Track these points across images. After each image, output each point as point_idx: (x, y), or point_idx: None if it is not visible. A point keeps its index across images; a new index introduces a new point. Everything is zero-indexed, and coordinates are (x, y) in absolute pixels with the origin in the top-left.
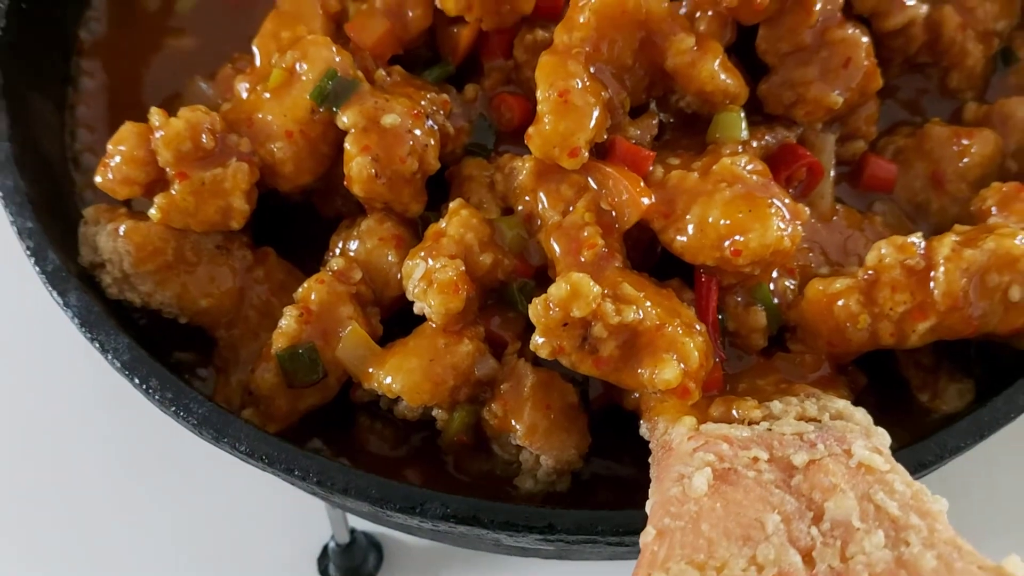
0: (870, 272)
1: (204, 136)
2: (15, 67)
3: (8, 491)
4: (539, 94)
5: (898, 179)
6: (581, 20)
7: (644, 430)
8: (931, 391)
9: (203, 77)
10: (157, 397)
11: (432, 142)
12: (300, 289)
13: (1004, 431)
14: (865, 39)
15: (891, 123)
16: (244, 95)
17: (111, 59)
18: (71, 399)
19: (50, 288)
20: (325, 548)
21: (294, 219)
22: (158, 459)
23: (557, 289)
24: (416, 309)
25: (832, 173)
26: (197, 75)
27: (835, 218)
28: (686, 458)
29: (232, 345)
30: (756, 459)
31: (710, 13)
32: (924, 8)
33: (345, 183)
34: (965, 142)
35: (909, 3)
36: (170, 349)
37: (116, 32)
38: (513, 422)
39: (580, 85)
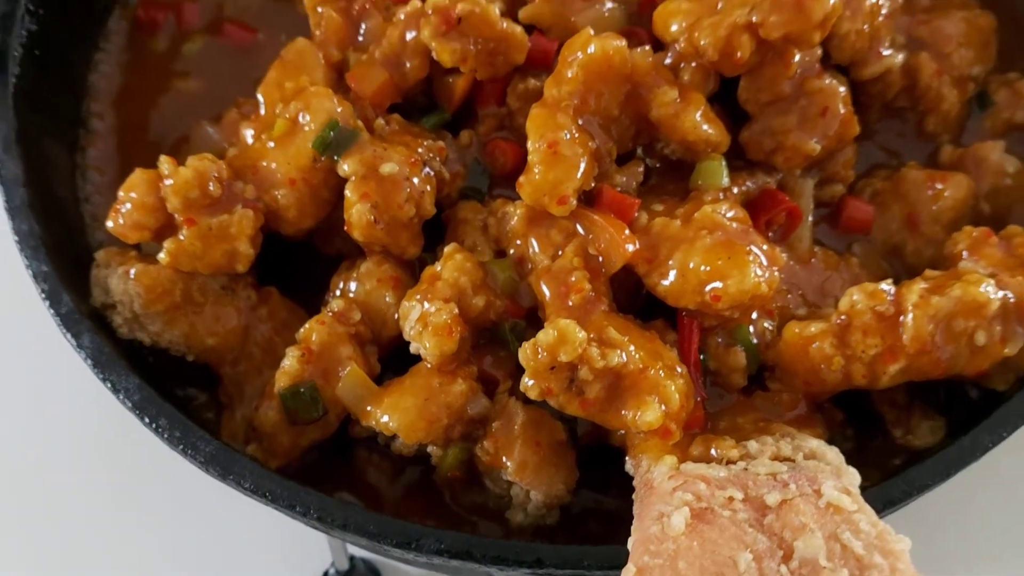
0: (843, 317)
1: (211, 184)
2: (29, 113)
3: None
4: (530, 145)
5: (875, 220)
6: (569, 75)
7: (629, 466)
8: (904, 427)
9: (209, 121)
10: (166, 436)
11: (428, 188)
12: (302, 330)
13: (977, 466)
14: (842, 89)
15: (869, 165)
16: (249, 141)
17: (120, 101)
18: (71, 425)
19: (64, 330)
20: (325, 574)
21: (295, 256)
22: (160, 485)
23: (545, 335)
24: (412, 349)
25: (810, 218)
26: (204, 119)
27: (813, 260)
28: (666, 497)
29: (237, 381)
30: (732, 499)
31: (693, 64)
32: (900, 57)
33: (345, 228)
34: (939, 186)
35: (885, 53)
36: (177, 384)
37: (125, 75)
38: (504, 459)
39: (568, 136)
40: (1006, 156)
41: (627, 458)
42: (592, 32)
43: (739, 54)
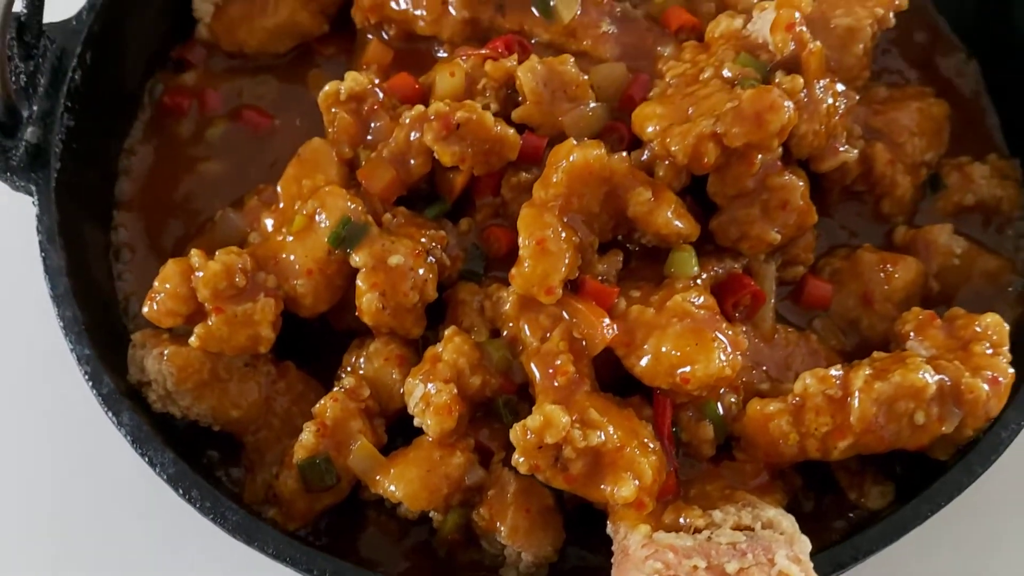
0: (798, 398)
1: (237, 276)
2: (69, 203)
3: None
4: (520, 241)
5: (834, 297)
6: (555, 179)
7: (610, 530)
8: (858, 491)
9: (232, 207)
10: (198, 505)
11: (431, 276)
12: (317, 405)
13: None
14: (801, 183)
15: (830, 245)
16: (270, 229)
17: (149, 183)
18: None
19: (105, 408)
20: None
21: (310, 331)
22: (174, 529)
23: (533, 420)
24: (416, 423)
25: (772, 299)
26: (227, 204)
27: (776, 337)
28: (639, 564)
29: (258, 448)
30: (696, 567)
31: (667, 162)
32: (855, 152)
33: (357, 313)
34: (890, 268)
35: (841, 148)
36: (204, 451)
37: (154, 158)
38: (498, 524)
39: (554, 234)
40: (954, 237)
41: (608, 522)
42: (576, 139)
43: (706, 160)
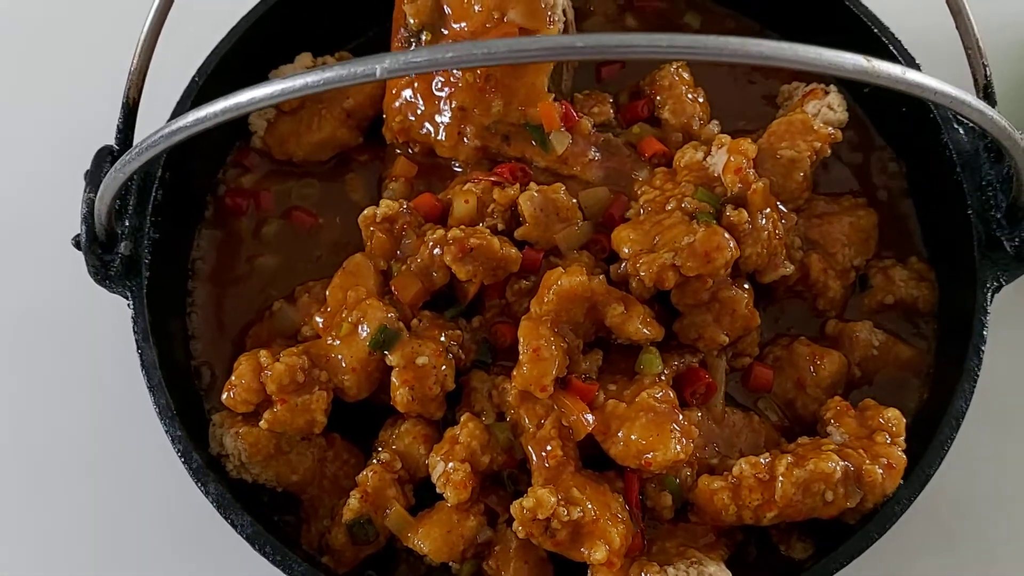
0: (735, 478)
1: (298, 374)
2: (157, 304)
3: None
4: (520, 347)
5: (775, 381)
6: (546, 299)
7: None
8: (786, 544)
9: (286, 301)
10: (270, 559)
11: (450, 372)
12: (360, 475)
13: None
14: (746, 296)
15: (775, 333)
16: (320, 326)
17: (214, 276)
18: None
19: (195, 480)
20: None
21: (351, 407)
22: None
23: (528, 500)
24: (437, 490)
25: (723, 389)
26: (282, 297)
27: (725, 418)
28: None
29: (313, 504)
30: None
31: (642, 274)
32: (791, 268)
33: (391, 403)
34: (819, 361)
35: (781, 267)
36: (270, 504)
37: (218, 254)
38: (503, 572)
39: (547, 342)
40: (874, 332)
41: (588, 573)
42: (566, 252)
43: (667, 283)
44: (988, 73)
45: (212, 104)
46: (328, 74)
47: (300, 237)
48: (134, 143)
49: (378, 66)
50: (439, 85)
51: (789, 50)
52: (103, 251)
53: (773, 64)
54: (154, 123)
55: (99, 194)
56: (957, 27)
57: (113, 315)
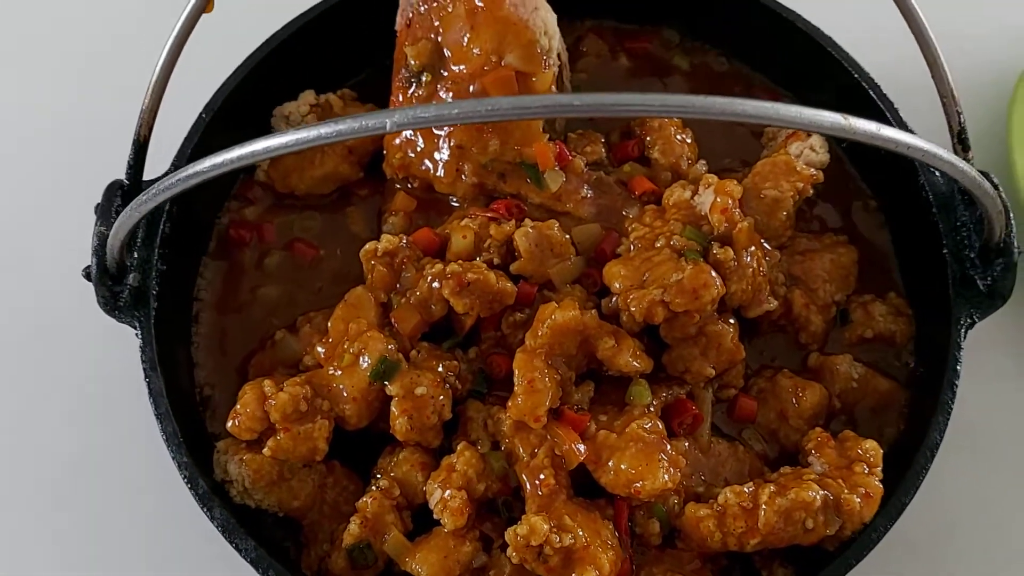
0: (720, 506)
1: (301, 403)
2: (163, 331)
3: None
4: (516, 379)
5: (758, 412)
6: (540, 333)
7: None
8: (768, 570)
9: (288, 330)
10: None
11: (447, 402)
12: (359, 501)
13: None
14: (731, 330)
15: (760, 365)
16: (322, 356)
17: (219, 305)
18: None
19: (201, 505)
20: None
21: (349, 434)
22: None
23: (522, 528)
24: (435, 516)
25: (709, 419)
26: (283, 326)
27: (711, 448)
28: None
29: (313, 530)
30: None
31: (632, 309)
32: (775, 303)
33: (390, 431)
34: (801, 392)
35: (765, 302)
36: (271, 530)
37: (222, 284)
38: None
39: (541, 375)
40: (853, 365)
41: None
42: (559, 286)
43: (656, 318)
44: (962, 120)
45: (230, 151)
46: (341, 126)
47: (301, 268)
48: (149, 181)
49: (388, 120)
50: (439, 124)
51: (771, 109)
52: (113, 282)
53: (756, 122)
54: (160, 155)
55: (113, 230)
56: (933, 77)
57: (119, 343)
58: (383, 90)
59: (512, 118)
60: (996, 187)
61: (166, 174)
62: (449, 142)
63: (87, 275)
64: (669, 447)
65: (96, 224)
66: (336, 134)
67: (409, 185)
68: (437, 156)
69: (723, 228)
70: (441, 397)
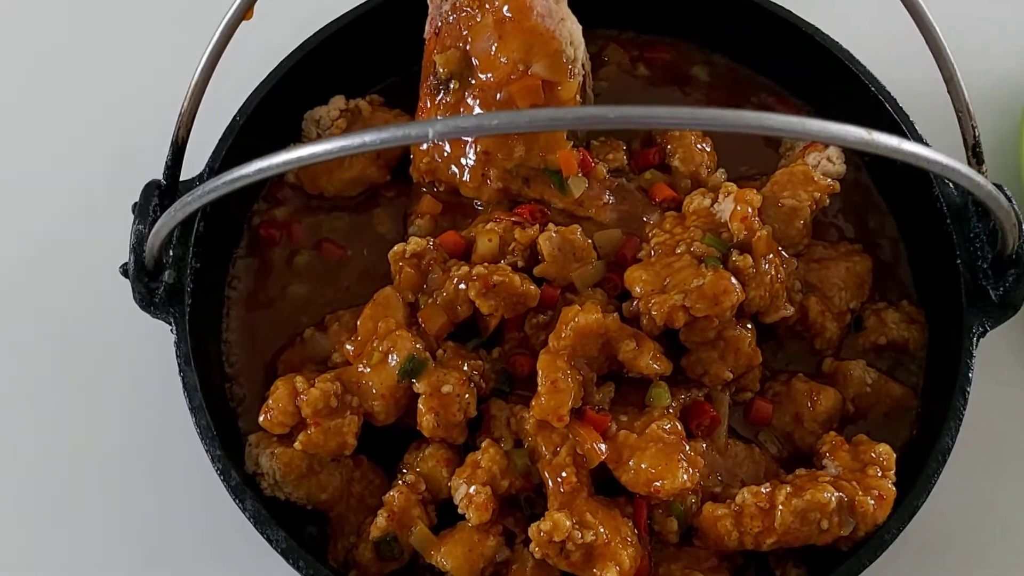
0: (737, 506)
1: (331, 399)
2: (196, 327)
3: None
4: (539, 379)
5: (774, 415)
6: (564, 335)
7: None
8: (782, 570)
9: (316, 328)
10: (303, 573)
11: (472, 399)
12: (387, 495)
13: None
14: (749, 335)
15: (775, 370)
16: (351, 353)
17: (249, 303)
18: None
19: (233, 496)
20: None
21: (377, 429)
22: None
23: (545, 524)
24: (459, 511)
25: (726, 421)
26: (312, 324)
27: (728, 449)
28: None
29: (340, 522)
30: None
31: (653, 313)
32: (791, 309)
33: (417, 427)
34: (815, 397)
35: (782, 308)
36: (301, 522)
37: (253, 282)
38: None
39: (564, 375)
40: (867, 370)
41: None
42: (581, 289)
43: (677, 323)
44: (977, 134)
45: (274, 156)
46: (384, 135)
47: (330, 267)
48: (184, 182)
49: (431, 129)
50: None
51: (798, 123)
52: (149, 279)
53: (784, 136)
54: (193, 156)
55: (155, 229)
56: (949, 92)
57: (152, 338)
58: (408, 95)
59: (548, 129)
60: (1010, 200)
61: (208, 176)
62: (475, 148)
63: (124, 272)
64: (688, 448)
65: (134, 223)
66: (380, 142)
67: (435, 189)
68: (463, 161)
69: (742, 236)
70: (467, 395)
